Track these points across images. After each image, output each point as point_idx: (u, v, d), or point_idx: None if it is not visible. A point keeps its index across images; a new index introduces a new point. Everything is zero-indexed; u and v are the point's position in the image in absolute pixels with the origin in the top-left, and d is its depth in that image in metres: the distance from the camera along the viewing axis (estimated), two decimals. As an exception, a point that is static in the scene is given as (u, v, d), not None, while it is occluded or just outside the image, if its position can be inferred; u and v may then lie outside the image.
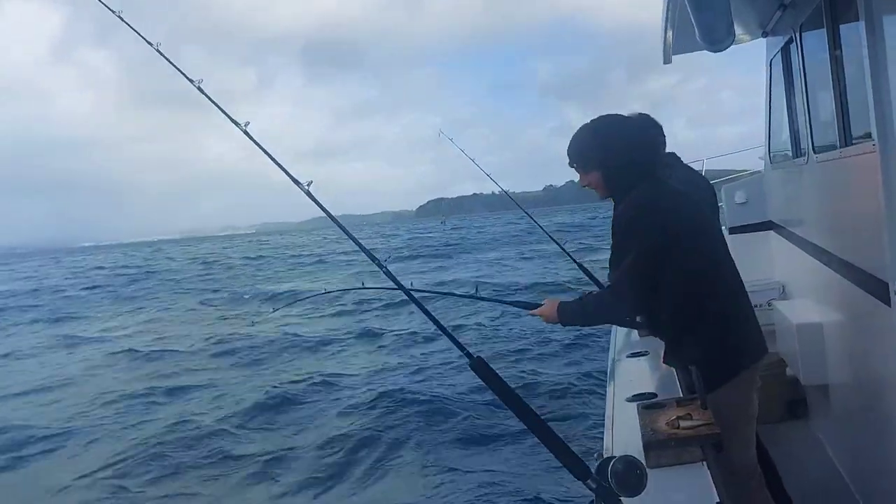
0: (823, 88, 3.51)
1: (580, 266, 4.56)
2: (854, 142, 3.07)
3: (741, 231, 5.74)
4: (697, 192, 3.42)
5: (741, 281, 2.76)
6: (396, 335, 15.24)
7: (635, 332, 4.08)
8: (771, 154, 5.20)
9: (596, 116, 2.78)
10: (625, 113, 2.84)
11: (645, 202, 2.60)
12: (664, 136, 3.48)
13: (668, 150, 3.56)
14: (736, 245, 5.44)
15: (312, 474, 7.57)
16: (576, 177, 2.82)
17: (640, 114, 2.82)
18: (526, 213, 5.16)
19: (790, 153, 4.54)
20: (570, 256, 4.69)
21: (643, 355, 3.61)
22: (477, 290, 3.37)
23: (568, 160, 2.80)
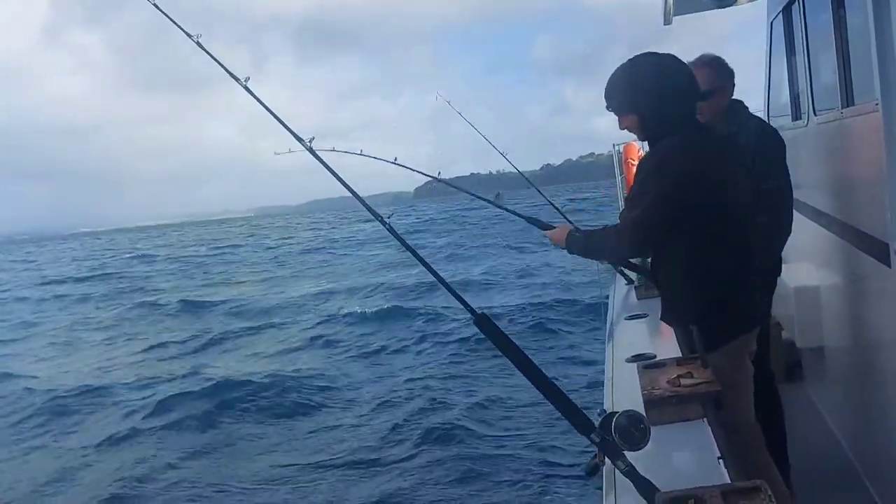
0: (825, 48, 3.47)
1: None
2: (856, 102, 3.05)
3: None
4: (766, 145, 3.36)
5: (756, 246, 2.74)
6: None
7: (633, 294, 4.10)
8: (770, 117, 5.17)
9: (632, 56, 2.71)
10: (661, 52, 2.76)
11: (671, 152, 2.57)
12: (732, 82, 3.45)
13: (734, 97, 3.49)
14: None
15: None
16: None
17: (674, 57, 2.74)
18: (536, 188, 5.09)
19: (789, 116, 4.51)
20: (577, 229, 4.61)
21: (642, 318, 3.62)
22: (499, 194, 3.46)
23: (605, 103, 2.75)
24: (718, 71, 3.42)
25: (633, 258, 3.43)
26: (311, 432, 8.73)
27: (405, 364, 11.85)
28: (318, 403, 9.87)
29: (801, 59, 4.12)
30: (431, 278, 1.90)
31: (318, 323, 16.41)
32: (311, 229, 68.72)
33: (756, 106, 5.29)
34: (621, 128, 2.79)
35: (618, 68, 2.71)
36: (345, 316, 16.63)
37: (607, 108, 2.77)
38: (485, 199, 4.36)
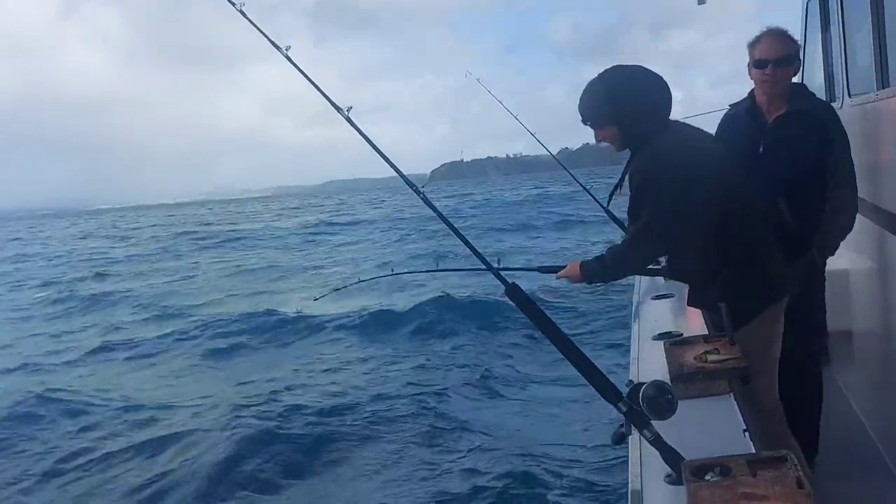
0: (861, 29, 3.43)
1: (619, 224, 4.47)
2: (892, 84, 3.01)
3: None
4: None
5: (769, 217, 2.76)
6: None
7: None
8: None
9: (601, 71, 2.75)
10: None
11: (661, 153, 2.59)
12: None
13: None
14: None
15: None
16: (591, 139, 2.83)
17: (643, 68, 2.79)
18: (568, 171, 5.08)
19: (823, 98, 4.46)
20: (613, 216, 4.56)
21: (669, 297, 3.63)
22: (499, 261, 3.37)
23: (581, 118, 2.78)
24: (791, 39, 3.34)
25: (650, 264, 3.38)
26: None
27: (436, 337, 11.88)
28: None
29: (836, 39, 4.07)
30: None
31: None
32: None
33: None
34: (598, 140, 2.82)
35: (590, 83, 2.74)
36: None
37: (583, 122, 2.81)
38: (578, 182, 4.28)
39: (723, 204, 2.59)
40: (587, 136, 2.84)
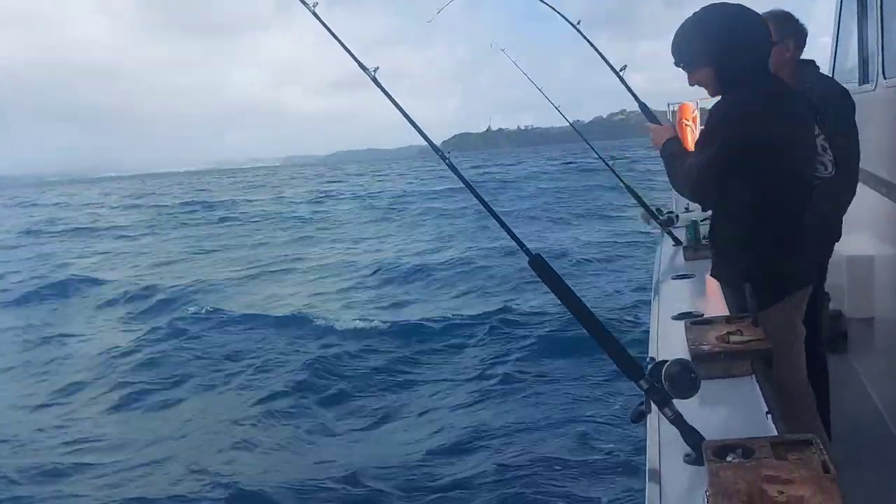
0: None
1: (646, 206, 4.41)
2: None
3: None
4: (835, 106, 3.26)
5: (811, 203, 2.69)
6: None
7: (681, 255, 4.05)
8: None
9: (701, 7, 2.61)
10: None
11: (740, 102, 2.50)
12: (800, 40, 3.35)
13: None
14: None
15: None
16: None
17: (745, 7, 2.66)
18: (589, 144, 4.99)
19: (857, 80, 4.36)
20: (635, 194, 4.49)
21: (689, 278, 3.58)
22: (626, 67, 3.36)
23: (673, 60, 2.67)
24: (778, 26, 3.29)
25: (692, 200, 3.34)
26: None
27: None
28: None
29: (872, 20, 3.96)
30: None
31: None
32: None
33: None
34: (691, 83, 2.70)
35: (687, 20, 2.62)
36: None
37: (676, 63, 2.70)
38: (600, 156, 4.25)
39: (782, 174, 2.52)
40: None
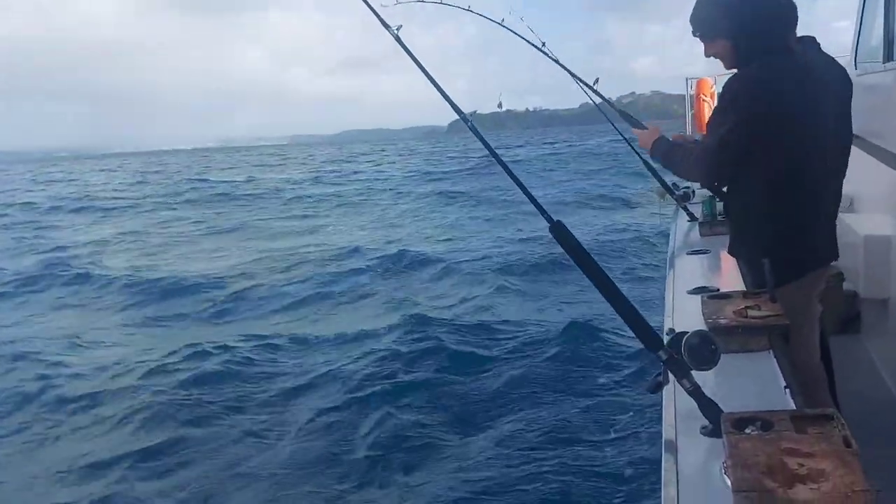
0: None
1: (662, 181, 4.35)
2: None
3: None
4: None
5: (835, 183, 2.65)
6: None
7: (696, 231, 4.01)
8: (857, 60, 4.91)
9: None
10: None
11: (757, 76, 2.45)
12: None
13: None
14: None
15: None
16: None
17: None
18: (615, 127, 4.88)
19: (881, 58, 4.28)
20: (652, 169, 4.42)
21: (704, 254, 3.55)
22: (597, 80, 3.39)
23: (691, 29, 2.64)
24: None
25: (705, 185, 3.31)
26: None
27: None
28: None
29: None
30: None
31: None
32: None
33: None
34: (708, 55, 2.67)
35: None
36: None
37: (694, 33, 2.66)
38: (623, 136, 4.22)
39: (799, 149, 2.47)
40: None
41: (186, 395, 7.68)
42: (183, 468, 6.12)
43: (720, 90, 2.57)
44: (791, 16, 2.53)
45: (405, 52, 1.89)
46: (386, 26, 1.96)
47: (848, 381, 3.59)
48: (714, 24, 2.58)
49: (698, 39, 2.68)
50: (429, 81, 1.93)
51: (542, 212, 1.79)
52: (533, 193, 1.80)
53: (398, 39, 1.97)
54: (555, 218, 1.79)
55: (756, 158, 2.45)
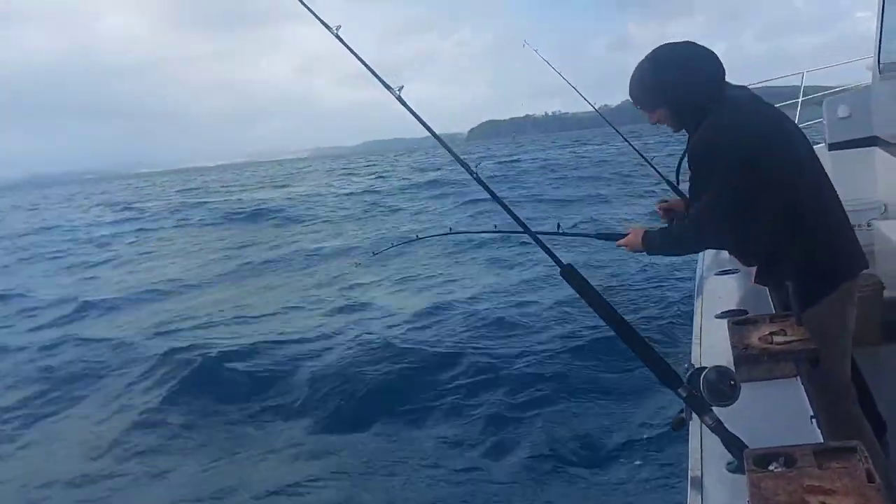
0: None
1: (675, 188, 4.33)
2: None
3: (842, 147, 5.41)
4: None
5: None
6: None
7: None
8: (881, 64, 4.85)
9: (652, 49, 2.68)
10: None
11: (724, 122, 2.49)
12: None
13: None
14: (836, 162, 5.16)
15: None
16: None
17: (693, 43, 2.71)
18: (622, 135, 4.90)
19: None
20: (673, 185, 4.41)
21: (733, 273, 3.52)
22: (559, 226, 3.35)
23: (632, 101, 2.74)
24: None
25: (715, 247, 3.27)
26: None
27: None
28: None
29: None
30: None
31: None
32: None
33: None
34: (652, 122, 2.76)
35: (640, 64, 2.67)
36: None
37: (635, 105, 2.76)
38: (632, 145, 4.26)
39: (792, 177, 2.49)
40: (627, 93, 2.81)
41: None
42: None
43: (687, 159, 2.60)
44: (717, 71, 2.59)
45: (408, 111, 1.94)
46: (388, 88, 2.01)
47: (892, 390, 3.50)
48: (652, 96, 2.68)
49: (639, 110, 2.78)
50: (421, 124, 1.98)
51: (552, 256, 1.82)
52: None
53: (400, 100, 2.00)
54: (565, 262, 1.81)
55: (755, 194, 2.44)
